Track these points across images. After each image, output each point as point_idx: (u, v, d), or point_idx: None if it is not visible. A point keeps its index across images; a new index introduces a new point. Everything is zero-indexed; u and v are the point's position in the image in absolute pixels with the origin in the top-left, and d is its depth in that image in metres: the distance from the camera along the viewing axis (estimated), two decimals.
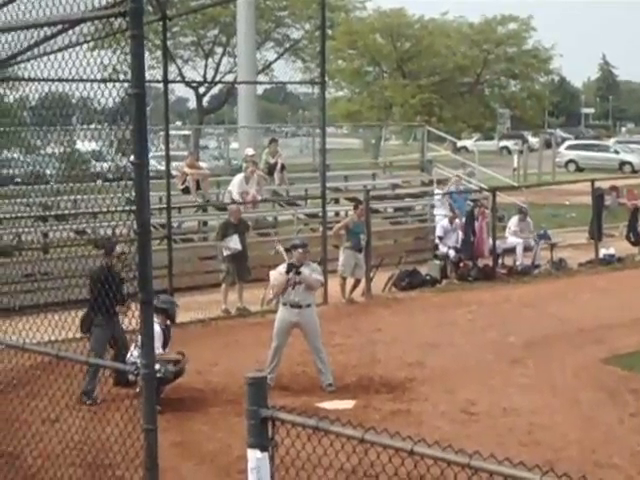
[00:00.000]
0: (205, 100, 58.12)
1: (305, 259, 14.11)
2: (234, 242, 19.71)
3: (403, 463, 4.75)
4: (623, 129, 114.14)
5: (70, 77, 8.17)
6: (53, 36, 8.72)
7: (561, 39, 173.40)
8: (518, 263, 24.63)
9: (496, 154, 62.61)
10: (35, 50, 10.52)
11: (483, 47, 58.78)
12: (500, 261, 24.36)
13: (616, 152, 63.12)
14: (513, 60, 59.83)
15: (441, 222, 24.59)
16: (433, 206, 27.46)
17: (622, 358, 15.56)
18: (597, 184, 27.85)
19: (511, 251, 24.92)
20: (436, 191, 27.60)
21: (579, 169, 59.68)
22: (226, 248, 19.77)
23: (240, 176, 24.05)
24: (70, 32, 8.29)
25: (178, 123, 68.02)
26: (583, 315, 18.57)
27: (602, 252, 25.62)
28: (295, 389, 13.83)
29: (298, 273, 13.78)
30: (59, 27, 8.56)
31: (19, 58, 10.77)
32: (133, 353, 12.10)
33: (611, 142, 70.94)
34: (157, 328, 12.33)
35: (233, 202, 22.30)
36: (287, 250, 15.40)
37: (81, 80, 8.43)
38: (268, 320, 16.09)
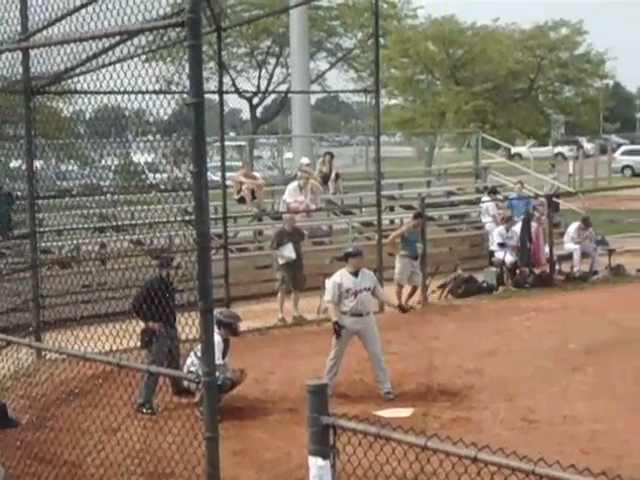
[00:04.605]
0: (258, 110, 58.36)
1: (360, 266, 14.11)
2: (289, 251, 19.75)
3: (466, 470, 4.72)
4: None
5: (125, 89, 8.23)
6: (110, 48, 8.81)
7: (617, 43, 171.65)
8: (576, 269, 24.40)
9: (551, 160, 62.06)
10: (92, 63, 10.63)
11: (536, 52, 58.26)
12: (557, 267, 24.13)
13: None
14: (566, 65, 59.24)
15: (497, 229, 24.39)
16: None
17: None
18: None
19: (568, 257, 24.70)
20: (483, 198, 27.45)
21: (635, 174, 59.08)
22: (281, 257, 19.83)
23: (294, 184, 24.11)
24: (128, 43, 8.36)
25: (232, 134, 68.32)
26: None
27: None
28: (353, 397, 13.77)
29: None
30: (116, 39, 8.64)
31: (77, 70, 10.88)
32: (194, 361, 12.13)
33: None
34: (217, 338, 12.34)
35: (288, 211, 22.36)
36: (340, 259, 15.33)
37: (138, 92, 8.50)
38: (324, 329, 16.07)
